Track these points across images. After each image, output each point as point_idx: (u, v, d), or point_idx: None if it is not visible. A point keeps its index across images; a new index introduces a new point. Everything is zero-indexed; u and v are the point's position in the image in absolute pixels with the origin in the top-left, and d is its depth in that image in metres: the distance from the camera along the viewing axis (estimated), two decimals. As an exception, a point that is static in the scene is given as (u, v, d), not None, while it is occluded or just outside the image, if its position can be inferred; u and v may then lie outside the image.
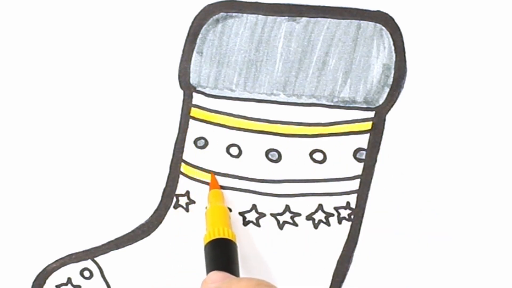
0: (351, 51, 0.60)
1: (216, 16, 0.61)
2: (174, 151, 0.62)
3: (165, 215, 0.63)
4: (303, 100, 0.61)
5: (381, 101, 0.61)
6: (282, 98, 0.61)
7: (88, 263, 0.63)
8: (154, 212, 0.63)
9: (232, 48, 0.61)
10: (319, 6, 0.60)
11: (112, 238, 0.63)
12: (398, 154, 0.61)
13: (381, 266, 0.62)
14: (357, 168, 0.61)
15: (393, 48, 0.60)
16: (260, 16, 0.61)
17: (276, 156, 0.62)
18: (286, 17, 0.60)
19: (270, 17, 0.60)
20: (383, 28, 0.60)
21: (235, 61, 0.61)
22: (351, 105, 0.61)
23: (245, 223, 0.62)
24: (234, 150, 0.62)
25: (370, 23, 0.60)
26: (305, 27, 0.60)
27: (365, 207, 0.62)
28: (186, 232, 0.63)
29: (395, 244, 0.62)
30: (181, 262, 0.63)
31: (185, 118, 0.62)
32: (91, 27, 0.62)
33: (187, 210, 0.63)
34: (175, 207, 0.63)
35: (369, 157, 0.61)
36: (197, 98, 0.62)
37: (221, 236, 0.58)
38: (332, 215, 0.62)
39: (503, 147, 0.61)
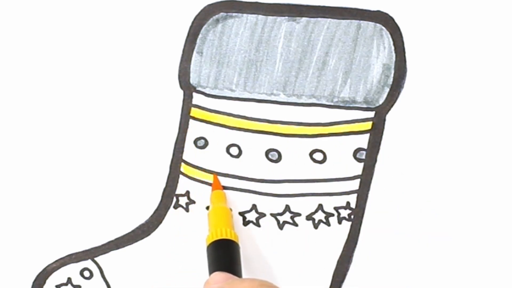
0: (351, 51, 0.60)
1: (216, 16, 0.61)
2: (174, 151, 0.62)
3: (165, 215, 0.63)
4: (303, 100, 0.61)
5: (381, 101, 0.61)
6: (282, 98, 0.61)
7: (88, 263, 0.63)
8: (154, 212, 0.63)
9: (232, 48, 0.61)
10: (319, 6, 0.60)
11: (112, 238, 0.63)
12: (398, 154, 0.61)
13: (381, 266, 0.62)
14: (357, 168, 0.61)
15: (393, 48, 0.60)
16: (260, 16, 0.61)
17: (276, 156, 0.62)
18: (286, 17, 0.60)
19: (270, 17, 0.60)
20: (383, 28, 0.60)
21: (235, 61, 0.61)
22: (351, 105, 0.61)
23: (245, 223, 0.62)
24: (234, 150, 0.62)
25: (370, 23, 0.60)
26: (305, 27, 0.60)
27: (365, 207, 0.62)
28: (186, 232, 0.63)
29: (395, 244, 0.62)
30: (181, 262, 0.63)
31: (185, 118, 0.62)
32: (91, 27, 0.62)
33: (187, 210, 0.63)
34: (175, 207, 0.63)
35: (369, 157, 0.61)
36: (197, 98, 0.62)
37: (224, 237, 0.58)
38: (332, 215, 0.62)
39: (503, 147, 0.61)
